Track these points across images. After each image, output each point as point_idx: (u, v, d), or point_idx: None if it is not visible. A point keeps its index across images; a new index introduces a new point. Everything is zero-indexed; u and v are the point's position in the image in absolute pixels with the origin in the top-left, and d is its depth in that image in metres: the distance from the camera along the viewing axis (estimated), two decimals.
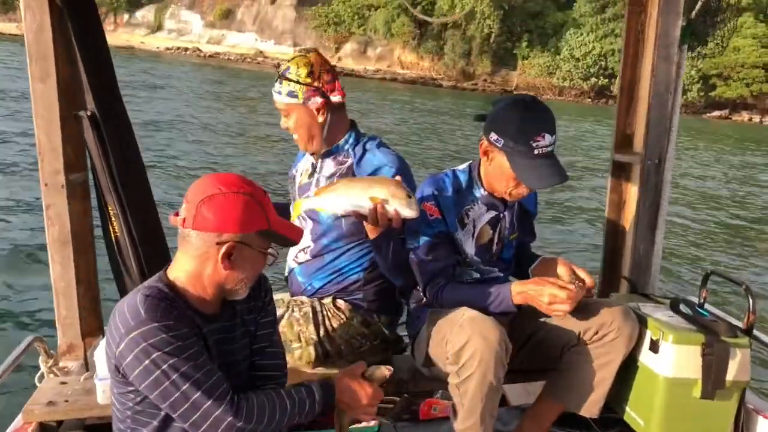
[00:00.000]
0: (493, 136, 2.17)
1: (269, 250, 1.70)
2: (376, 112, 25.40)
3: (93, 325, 2.73)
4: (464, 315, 2.10)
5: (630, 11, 2.76)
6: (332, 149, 2.43)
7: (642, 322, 2.22)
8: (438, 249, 2.29)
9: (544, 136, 2.11)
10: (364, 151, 2.41)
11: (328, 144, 2.42)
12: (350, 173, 2.38)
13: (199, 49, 52.11)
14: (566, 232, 8.66)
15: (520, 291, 2.16)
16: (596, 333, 2.20)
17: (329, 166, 2.44)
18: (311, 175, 2.49)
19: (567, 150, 19.97)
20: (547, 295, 2.09)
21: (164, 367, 1.55)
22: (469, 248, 2.34)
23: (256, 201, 1.63)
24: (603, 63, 52.62)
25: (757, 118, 48.87)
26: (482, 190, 2.32)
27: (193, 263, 1.66)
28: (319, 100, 2.33)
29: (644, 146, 2.77)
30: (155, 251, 2.62)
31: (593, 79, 52.31)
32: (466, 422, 2.07)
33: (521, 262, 2.51)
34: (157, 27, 62.86)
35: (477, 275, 2.39)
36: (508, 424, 2.56)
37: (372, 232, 2.16)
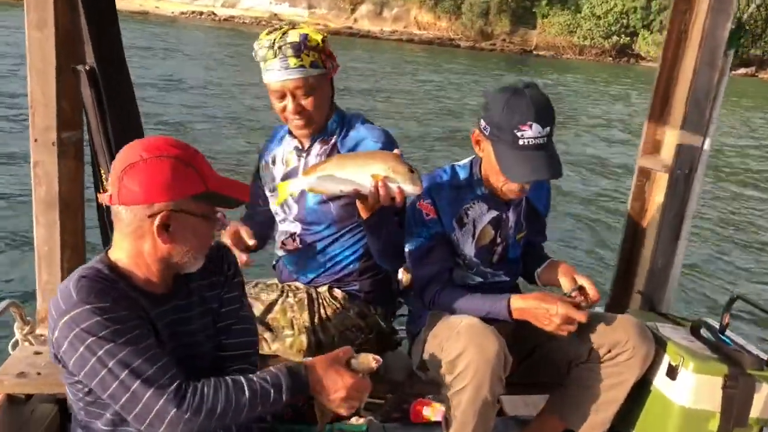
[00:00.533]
0: (482, 123, 2.03)
1: (216, 215, 1.56)
2: (392, 74, 24.94)
3: None
4: (462, 322, 1.97)
5: (675, 9, 2.58)
6: (321, 130, 2.22)
7: (660, 343, 2.08)
8: (433, 252, 2.15)
9: (530, 126, 1.92)
10: (348, 128, 2.23)
11: (319, 124, 2.21)
12: (335, 151, 2.19)
13: (213, 13, 51.55)
14: (574, 224, 8.13)
15: (519, 308, 2.02)
16: (609, 351, 2.06)
17: (317, 148, 2.23)
18: (299, 157, 2.26)
19: (587, 116, 19.35)
20: (554, 315, 1.95)
21: (100, 353, 1.38)
22: (469, 250, 2.19)
23: (185, 163, 1.46)
24: (625, 21, 51.13)
25: None
26: (483, 188, 2.17)
27: (130, 241, 1.50)
28: (332, 71, 2.15)
29: (675, 155, 2.60)
30: None
31: (615, 38, 50.89)
32: None
33: (528, 263, 2.37)
34: None
35: (479, 279, 2.25)
36: None
37: (366, 212, 1.97)
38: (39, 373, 2.15)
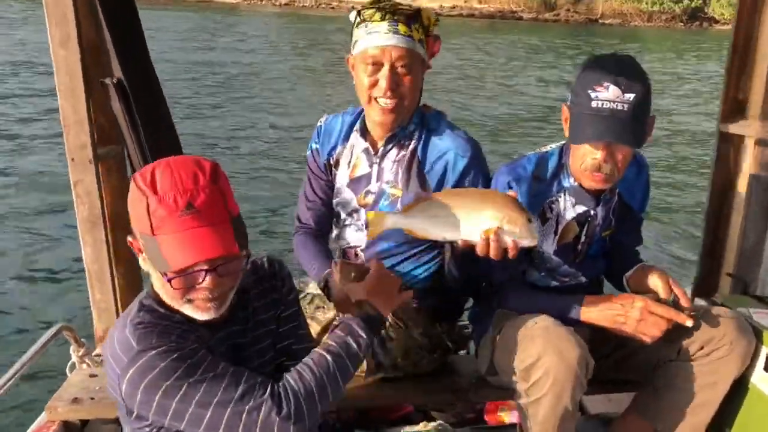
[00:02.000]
0: (568, 94, 1.84)
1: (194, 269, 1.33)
2: (454, 50, 24.41)
3: None
4: (537, 324, 1.77)
5: None
6: (398, 132, 1.99)
7: (756, 333, 1.84)
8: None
9: (607, 87, 1.71)
10: (429, 131, 1.98)
11: (404, 115, 1.97)
12: (414, 161, 1.97)
13: None
14: (654, 199, 7.52)
15: (590, 310, 1.85)
16: (702, 348, 1.83)
17: (392, 153, 2.01)
18: (372, 164, 2.04)
19: (659, 83, 18.09)
20: (636, 311, 1.76)
21: (180, 394, 1.30)
22: (548, 246, 1.98)
23: (141, 192, 1.28)
24: None
25: None
26: (571, 179, 1.93)
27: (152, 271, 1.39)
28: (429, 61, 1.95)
29: (761, 115, 2.31)
30: None
31: (685, 1, 48.06)
32: None
33: (615, 264, 2.11)
34: None
35: (555, 283, 2.04)
36: None
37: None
38: (93, 398, 2.11)
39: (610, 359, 2.03)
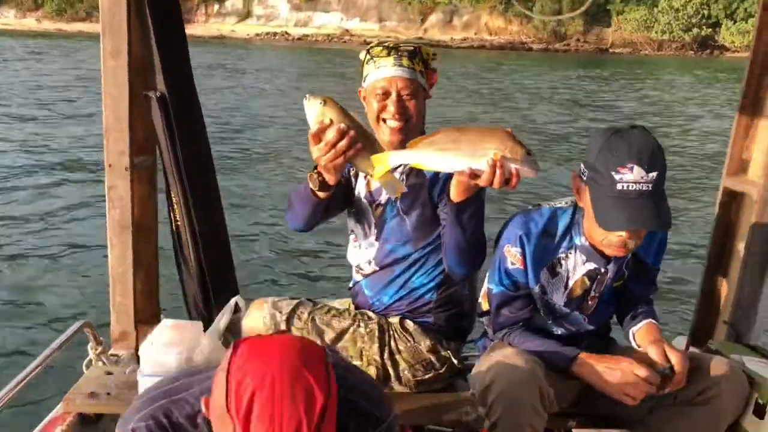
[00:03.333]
0: (582, 167, 1.88)
1: None
2: (464, 80, 24.73)
3: (148, 313, 2.67)
4: (503, 351, 1.89)
5: (763, 16, 2.42)
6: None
7: (748, 381, 1.93)
8: (513, 303, 2.06)
9: (631, 169, 1.73)
10: None
11: (410, 136, 2.10)
12: (419, 173, 2.11)
13: (287, 33, 52.93)
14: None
15: (582, 372, 1.92)
16: (699, 394, 1.90)
17: (400, 168, 2.15)
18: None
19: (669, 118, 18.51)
20: (620, 374, 1.85)
21: None
22: (559, 299, 2.06)
23: (233, 424, 1.13)
24: (705, 11, 49.34)
25: None
26: (582, 238, 1.98)
27: None
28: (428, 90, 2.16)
29: (764, 174, 2.44)
30: (216, 244, 2.52)
31: (695, 30, 49.10)
32: None
33: (623, 313, 2.17)
34: (246, 14, 64.19)
35: (561, 330, 2.13)
36: None
37: (463, 194, 1.85)
38: (109, 394, 2.20)
39: (608, 396, 2.12)
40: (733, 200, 2.61)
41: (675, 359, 1.87)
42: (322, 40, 49.55)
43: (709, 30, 49.16)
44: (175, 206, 2.44)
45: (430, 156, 1.77)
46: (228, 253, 2.65)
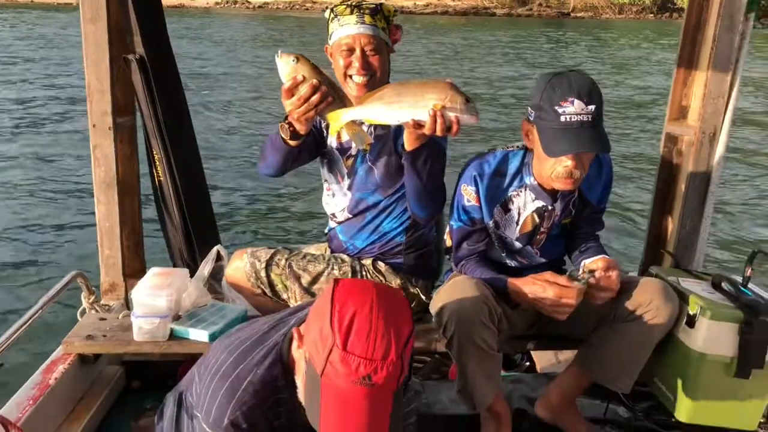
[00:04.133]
0: (529, 110, 2.08)
1: None
2: (428, 47, 24.66)
3: (134, 267, 2.82)
4: (455, 279, 2.10)
5: None
6: None
7: (681, 296, 2.15)
8: (471, 236, 2.26)
9: (572, 101, 1.93)
10: None
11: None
12: (389, 135, 2.30)
13: (247, 1, 51.84)
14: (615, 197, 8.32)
15: (513, 290, 2.11)
16: (634, 311, 2.11)
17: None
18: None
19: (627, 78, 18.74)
20: (547, 297, 2.03)
21: None
22: (512, 233, 2.26)
23: (334, 340, 1.29)
24: None
25: None
26: (532, 178, 2.17)
27: None
28: (392, 46, 2.30)
29: (699, 119, 2.67)
30: (197, 197, 2.67)
31: None
32: (459, 383, 2.08)
33: (573, 247, 2.37)
34: None
35: (514, 263, 2.34)
36: (535, 389, 2.54)
37: (415, 143, 2.02)
38: (104, 336, 2.37)
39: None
40: (674, 144, 2.84)
41: (614, 274, 2.07)
42: (283, 7, 48.54)
43: None
44: (157, 163, 2.59)
45: (378, 110, 1.93)
46: (209, 205, 2.82)
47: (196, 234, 2.72)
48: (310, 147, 2.36)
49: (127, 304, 2.68)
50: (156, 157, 2.59)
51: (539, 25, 38.00)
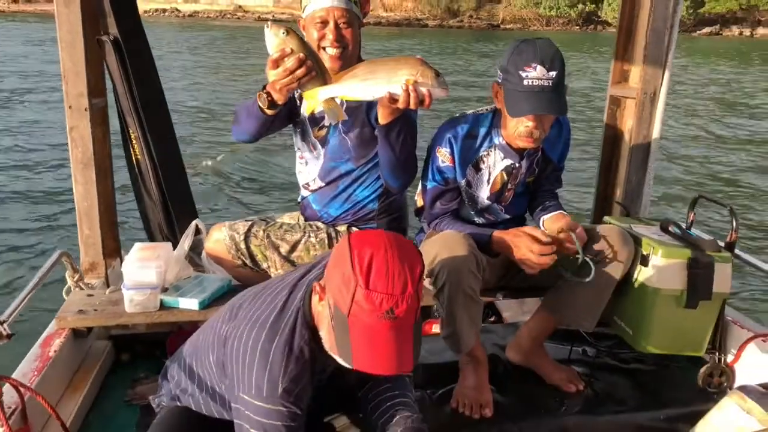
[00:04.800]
0: (498, 72, 2.25)
1: None
2: (364, 52, 24.99)
3: (111, 247, 2.86)
4: (441, 233, 2.26)
5: None
6: None
7: (635, 240, 2.37)
8: (444, 195, 2.40)
9: (535, 67, 2.09)
10: None
11: (349, 62, 2.36)
12: (360, 110, 2.39)
13: (177, 9, 50.52)
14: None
15: (497, 240, 2.28)
16: (596, 255, 2.30)
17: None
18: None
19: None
20: (522, 249, 2.21)
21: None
22: (483, 192, 2.43)
23: (357, 281, 1.44)
24: None
25: (747, 31, 47.37)
26: (500, 138, 2.34)
27: None
28: (363, 19, 2.36)
29: (640, 80, 2.90)
30: (174, 172, 2.74)
31: (580, 6, 50.31)
32: (447, 329, 2.24)
33: (534, 205, 2.56)
34: None
35: (482, 220, 2.50)
36: (504, 338, 2.74)
37: (389, 117, 2.15)
38: (96, 310, 2.44)
39: (523, 271, 2.53)
40: (618, 105, 3.08)
41: (577, 233, 2.26)
42: (214, 16, 47.70)
43: (593, 6, 50.56)
44: (134, 142, 2.65)
45: (353, 87, 2.04)
46: (185, 181, 2.90)
47: (175, 209, 2.79)
48: (284, 115, 2.44)
49: (108, 283, 2.73)
50: (133, 135, 2.64)
51: (470, 36, 38.77)
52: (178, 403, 1.87)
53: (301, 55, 2.00)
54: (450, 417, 2.24)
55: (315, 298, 1.57)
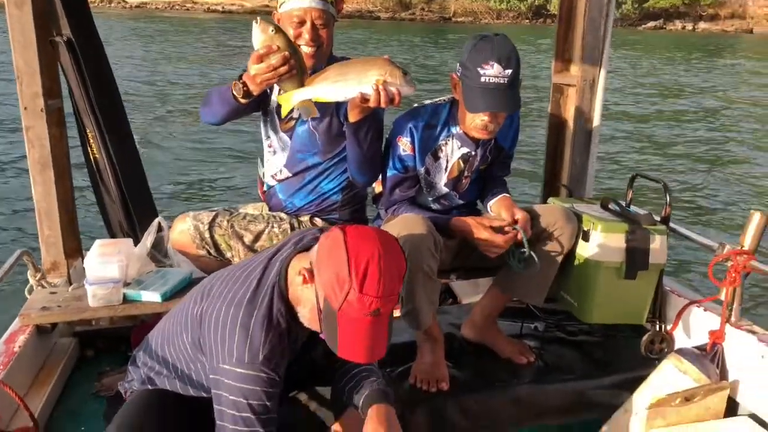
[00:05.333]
0: (458, 66, 2.35)
1: None
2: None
3: (72, 246, 2.90)
4: (402, 215, 2.38)
5: None
6: (317, 68, 2.40)
7: (577, 217, 2.51)
8: (404, 182, 2.50)
9: (492, 65, 2.19)
10: None
11: (321, 60, 2.42)
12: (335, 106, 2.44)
13: (124, 0, 49.71)
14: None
15: (456, 225, 2.41)
16: (542, 233, 2.44)
17: None
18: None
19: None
20: (482, 236, 2.34)
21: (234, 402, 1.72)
22: (440, 179, 2.54)
23: (351, 284, 1.56)
24: None
25: (690, 26, 48.10)
26: (458, 127, 2.43)
27: None
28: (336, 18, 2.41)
29: (580, 69, 3.05)
30: (133, 170, 2.79)
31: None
32: (406, 306, 2.32)
33: (484, 191, 2.67)
34: None
35: (437, 206, 2.60)
36: (459, 318, 2.84)
37: (358, 115, 2.23)
38: (59, 306, 2.48)
39: (477, 251, 2.63)
40: (560, 93, 3.22)
41: (519, 215, 2.39)
42: (162, 7, 46.84)
43: (542, 0, 51.43)
44: (91, 141, 2.69)
45: (325, 89, 2.13)
46: (144, 179, 2.94)
47: (135, 206, 2.84)
48: (254, 104, 2.47)
49: (70, 281, 2.77)
50: (90, 135, 2.68)
51: (422, 29, 39.09)
52: (150, 387, 1.94)
53: (287, 53, 2.07)
54: (408, 392, 2.33)
55: (298, 279, 1.68)
